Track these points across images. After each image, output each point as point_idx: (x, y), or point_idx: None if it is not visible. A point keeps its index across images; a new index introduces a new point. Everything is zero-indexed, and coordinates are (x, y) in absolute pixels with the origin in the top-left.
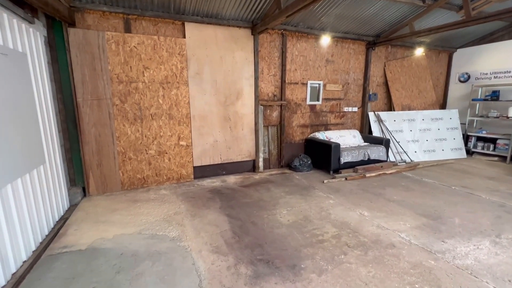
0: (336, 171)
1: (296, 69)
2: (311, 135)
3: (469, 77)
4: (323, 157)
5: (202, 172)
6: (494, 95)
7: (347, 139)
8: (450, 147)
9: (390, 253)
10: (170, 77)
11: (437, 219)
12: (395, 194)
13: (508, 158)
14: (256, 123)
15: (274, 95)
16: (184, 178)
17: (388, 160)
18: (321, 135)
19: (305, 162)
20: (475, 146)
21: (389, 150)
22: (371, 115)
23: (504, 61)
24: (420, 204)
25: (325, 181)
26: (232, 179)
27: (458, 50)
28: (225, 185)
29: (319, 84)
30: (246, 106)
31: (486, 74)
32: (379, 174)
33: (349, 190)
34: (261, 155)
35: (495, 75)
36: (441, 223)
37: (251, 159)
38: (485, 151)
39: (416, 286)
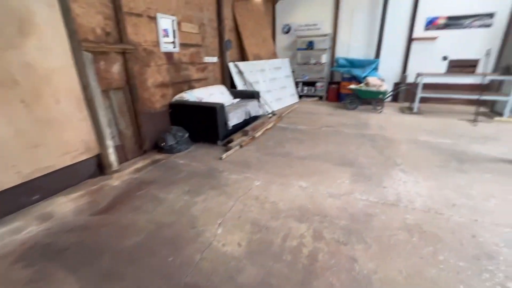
0: (224, 138)
1: None
2: (177, 97)
3: (290, 28)
4: (204, 125)
5: None
6: (310, 45)
7: (217, 97)
8: (289, 93)
9: (378, 228)
10: None
11: (354, 165)
12: (298, 150)
13: (324, 97)
14: (85, 87)
15: (107, 33)
16: None
17: (263, 114)
18: (190, 96)
19: (182, 138)
20: (302, 90)
21: None
22: (231, 66)
23: (312, 14)
24: (325, 153)
25: (223, 157)
26: (65, 206)
27: (279, 1)
28: (56, 226)
29: (172, 20)
30: (51, 51)
31: (302, 26)
32: (264, 132)
33: (256, 159)
34: (109, 142)
35: (308, 28)
36: (359, 167)
37: (93, 155)
38: (309, 93)
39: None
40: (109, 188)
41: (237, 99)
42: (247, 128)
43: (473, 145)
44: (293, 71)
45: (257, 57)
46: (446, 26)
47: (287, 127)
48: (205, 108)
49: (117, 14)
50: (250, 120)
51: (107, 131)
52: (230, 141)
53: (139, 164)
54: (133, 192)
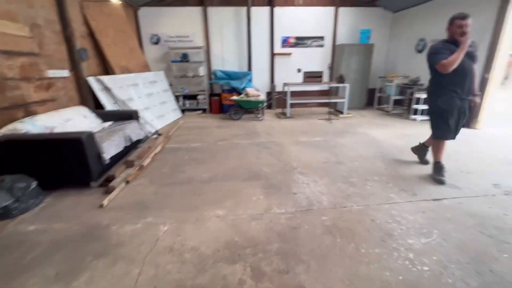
0: (100, 177)
1: None
2: (5, 130)
3: (159, 39)
4: (66, 164)
5: None
6: (185, 57)
7: (78, 123)
8: (171, 108)
9: (307, 240)
10: None
11: (261, 177)
12: (200, 172)
13: (208, 109)
14: None
15: None
16: None
17: (146, 136)
18: (32, 126)
19: (27, 190)
20: (184, 104)
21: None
22: (92, 81)
23: (182, 26)
24: (229, 170)
25: (104, 203)
26: None
27: (141, 8)
28: None
29: None
30: None
31: (173, 37)
32: (153, 157)
33: (153, 195)
34: None
35: (180, 39)
36: (266, 178)
37: None
38: (192, 107)
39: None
40: None
41: (109, 123)
42: (131, 156)
43: (337, 139)
44: (171, 85)
45: (126, 70)
46: (296, 44)
47: (179, 147)
48: (64, 141)
49: None
50: (132, 146)
51: None
52: (111, 179)
53: None
54: None
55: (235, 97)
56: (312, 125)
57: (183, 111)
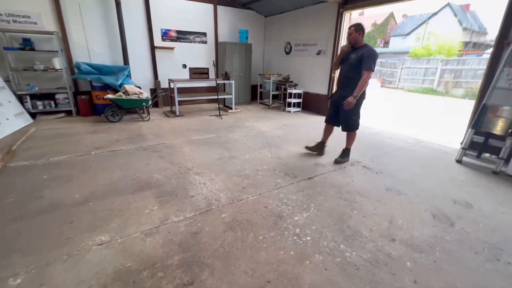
0: None
1: None
2: None
3: None
4: None
5: None
6: (28, 44)
7: None
8: (13, 113)
9: (209, 242)
10: None
11: (153, 185)
12: (70, 193)
13: (74, 111)
14: None
15: None
16: None
17: None
18: None
19: None
20: (35, 107)
21: None
22: None
23: (19, 2)
24: (112, 183)
25: None
26: None
27: None
28: None
29: None
30: None
31: (1, 15)
32: None
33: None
34: None
35: (14, 19)
36: (159, 185)
37: None
38: (49, 110)
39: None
40: None
41: None
42: None
43: (228, 134)
44: (7, 81)
45: None
46: (178, 39)
47: (32, 165)
48: None
49: None
50: None
51: None
52: None
53: None
54: None
55: (110, 96)
56: (203, 122)
57: (34, 115)
